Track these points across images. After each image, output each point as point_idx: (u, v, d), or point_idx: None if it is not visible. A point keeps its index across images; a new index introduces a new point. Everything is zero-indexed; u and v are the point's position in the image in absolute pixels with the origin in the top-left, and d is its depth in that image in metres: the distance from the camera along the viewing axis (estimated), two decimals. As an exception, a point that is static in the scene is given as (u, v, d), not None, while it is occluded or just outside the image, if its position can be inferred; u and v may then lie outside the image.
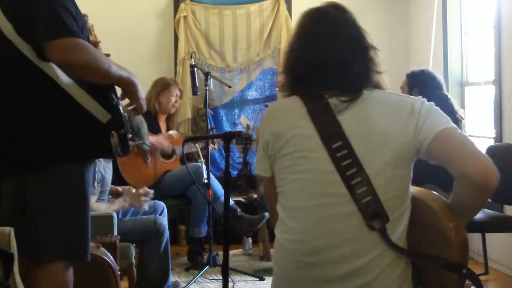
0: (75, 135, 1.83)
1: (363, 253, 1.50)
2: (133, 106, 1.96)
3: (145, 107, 1.97)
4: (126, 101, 1.96)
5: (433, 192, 1.60)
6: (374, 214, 1.48)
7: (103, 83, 1.83)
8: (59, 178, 1.81)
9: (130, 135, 1.93)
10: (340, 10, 1.65)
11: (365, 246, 1.49)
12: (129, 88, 1.90)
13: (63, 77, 1.79)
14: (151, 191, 3.30)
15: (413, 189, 1.61)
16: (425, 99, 1.56)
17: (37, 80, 1.77)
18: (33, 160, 1.79)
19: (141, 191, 3.24)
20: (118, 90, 1.92)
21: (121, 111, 1.87)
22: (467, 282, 1.46)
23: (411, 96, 1.58)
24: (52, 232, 1.80)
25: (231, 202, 3.82)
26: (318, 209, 1.53)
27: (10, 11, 1.76)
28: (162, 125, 4.20)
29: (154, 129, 4.06)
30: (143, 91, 1.95)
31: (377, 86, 1.61)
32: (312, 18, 1.66)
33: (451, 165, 1.47)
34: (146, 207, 3.25)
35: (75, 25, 1.75)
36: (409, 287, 1.56)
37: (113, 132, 1.86)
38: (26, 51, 1.75)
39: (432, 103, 1.55)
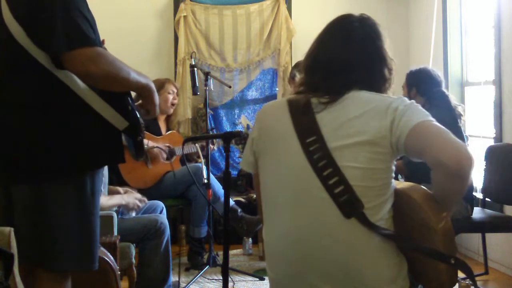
0: (92, 143, 1.78)
1: (345, 242, 1.52)
2: (145, 109, 1.91)
3: (158, 111, 1.94)
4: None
5: (417, 184, 1.63)
6: (347, 202, 1.51)
7: (122, 91, 1.79)
8: (75, 187, 1.77)
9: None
10: (362, 21, 1.73)
11: (346, 236, 1.52)
12: (147, 94, 1.86)
13: (78, 83, 1.73)
14: (146, 201, 3.28)
15: (398, 183, 1.64)
16: (406, 98, 1.60)
17: (51, 86, 1.72)
18: (49, 169, 1.74)
19: (138, 195, 3.23)
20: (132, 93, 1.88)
21: (139, 117, 1.82)
22: (467, 282, 1.47)
23: (392, 96, 1.62)
24: (68, 243, 1.76)
25: (232, 202, 3.82)
26: (296, 203, 1.57)
27: (23, 15, 1.68)
28: (162, 126, 4.19)
29: (155, 131, 4.06)
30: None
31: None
32: (334, 21, 1.75)
33: (426, 155, 1.50)
34: (133, 214, 3.23)
35: (92, 32, 1.69)
36: (404, 281, 1.57)
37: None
38: (40, 57, 1.69)
39: (413, 101, 1.59)
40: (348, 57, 1.64)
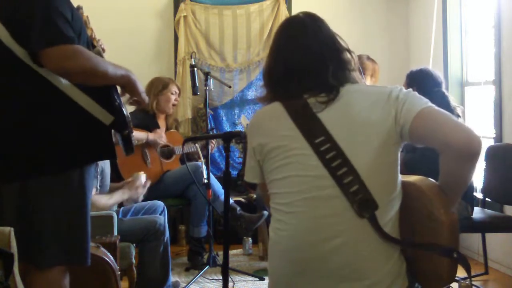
0: (78, 139, 1.81)
1: (354, 244, 1.52)
2: (135, 99, 1.95)
3: (146, 98, 1.97)
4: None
5: (426, 177, 1.63)
6: (362, 202, 1.51)
7: (102, 85, 1.82)
8: (62, 183, 1.79)
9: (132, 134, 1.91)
10: (311, 18, 1.73)
11: (356, 237, 1.52)
12: (128, 85, 1.89)
13: (63, 80, 1.76)
14: (148, 181, 3.31)
15: (406, 176, 1.64)
16: (402, 87, 1.61)
17: (37, 84, 1.75)
18: (36, 166, 1.77)
19: (138, 182, 3.24)
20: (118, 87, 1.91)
21: (124, 111, 1.85)
22: (467, 282, 1.48)
23: (388, 86, 1.63)
24: (55, 238, 1.78)
25: (231, 201, 3.82)
26: (308, 203, 1.56)
27: (7, 16, 1.73)
28: (162, 125, 4.20)
29: (154, 127, 4.06)
30: (141, 85, 1.95)
31: (353, 82, 1.66)
32: (286, 26, 1.75)
33: (433, 139, 1.51)
34: (141, 198, 3.27)
35: (71, 31, 1.73)
36: (403, 281, 1.58)
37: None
38: (24, 57, 1.72)
39: (410, 89, 1.60)
40: (318, 51, 1.65)
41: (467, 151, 1.45)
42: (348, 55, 1.69)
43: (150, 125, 4.02)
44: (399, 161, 1.61)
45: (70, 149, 1.80)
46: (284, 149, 1.62)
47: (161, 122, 4.20)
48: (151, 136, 3.93)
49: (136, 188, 3.22)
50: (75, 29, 1.76)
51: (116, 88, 1.88)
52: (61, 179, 1.79)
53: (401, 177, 1.62)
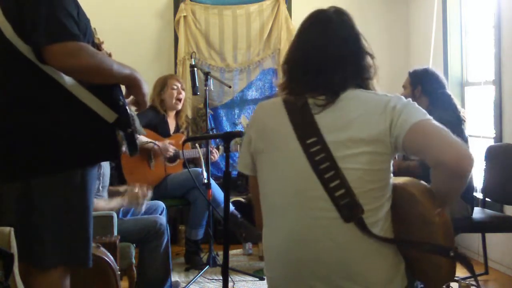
0: (82, 138, 1.80)
1: (344, 245, 1.52)
2: (135, 101, 1.94)
3: (148, 102, 1.95)
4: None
5: (415, 179, 1.63)
6: (348, 206, 1.51)
7: (106, 84, 1.81)
8: (64, 182, 1.77)
9: (138, 135, 1.90)
10: (338, 14, 1.69)
11: (345, 238, 1.52)
12: (133, 84, 1.87)
13: (66, 77, 1.75)
14: (150, 193, 3.26)
15: (396, 178, 1.64)
16: (402, 97, 1.60)
17: (40, 81, 1.73)
18: (39, 165, 1.75)
19: (140, 192, 3.21)
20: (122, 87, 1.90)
21: (128, 109, 1.84)
22: (467, 282, 1.47)
23: (389, 94, 1.61)
24: (57, 238, 1.77)
25: (232, 208, 3.82)
26: (296, 205, 1.57)
27: (11, 11, 1.72)
28: (171, 123, 4.19)
29: (163, 130, 4.04)
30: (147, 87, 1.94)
31: (357, 88, 1.63)
32: (310, 18, 1.72)
33: (426, 154, 1.51)
34: (142, 209, 3.23)
35: (76, 28, 1.71)
36: (402, 281, 1.57)
37: (119, 131, 1.84)
38: (27, 53, 1.71)
39: (409, 99, 1.59)
40: (336, 51, 1.63)
41: (457, 169, 1.45)
42: (368, 60, 1.66)
43: (159, 125, 4.01)
44: (391, 169, 1.60)
45: (73, 148, 1.79)
46: (276, 146, 1.62)
47: (171, 121, 4.19)
48: (157, 147, 3.90)
49: (136, 197, 3.18)
50: (80, 27, 1.74)
51: (120, 87, 1.86)
52: (63, 178, 1.78)
53: (392, 179, 1.62)
